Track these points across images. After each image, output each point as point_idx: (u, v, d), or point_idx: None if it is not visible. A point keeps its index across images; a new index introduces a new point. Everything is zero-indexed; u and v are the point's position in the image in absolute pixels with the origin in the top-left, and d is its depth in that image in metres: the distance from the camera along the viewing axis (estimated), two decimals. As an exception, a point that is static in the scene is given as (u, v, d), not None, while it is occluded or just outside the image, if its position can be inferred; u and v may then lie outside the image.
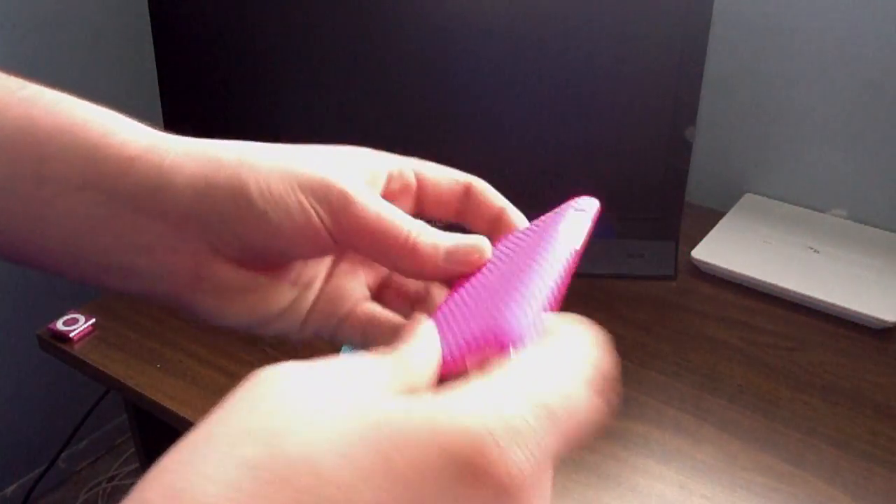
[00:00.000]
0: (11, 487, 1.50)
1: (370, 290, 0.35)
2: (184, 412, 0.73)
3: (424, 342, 0.25)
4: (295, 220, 0.30)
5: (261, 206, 0.29)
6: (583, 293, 0.88)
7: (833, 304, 0.83)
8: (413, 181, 0.34)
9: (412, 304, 0.35)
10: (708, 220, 0.97)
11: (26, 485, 1.47)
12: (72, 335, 0.81)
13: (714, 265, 0.89)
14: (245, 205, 0.29)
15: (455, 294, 0.30)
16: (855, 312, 0.82)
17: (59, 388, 1.43)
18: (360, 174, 0.32)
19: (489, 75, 0.80)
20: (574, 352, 0.22)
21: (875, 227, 0.97)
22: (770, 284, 0.87)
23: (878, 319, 0.81)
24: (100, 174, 0.29)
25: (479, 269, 0.31)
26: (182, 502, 0.18)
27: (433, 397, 0.20)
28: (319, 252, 0.32)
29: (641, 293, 0.88)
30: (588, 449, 0.68)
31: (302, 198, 0.30)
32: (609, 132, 0.80)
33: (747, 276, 0.88)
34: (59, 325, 0.81)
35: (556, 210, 0.33)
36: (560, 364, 0.21)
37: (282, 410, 0.20)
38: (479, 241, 0.31)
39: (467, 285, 0.30)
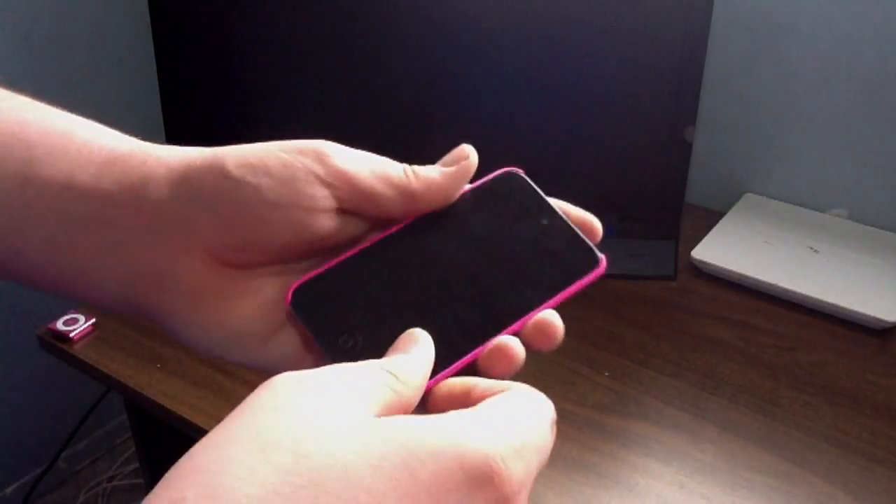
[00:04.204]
0: (11, 487, 1.50)
1: None
2: (184, 412, 0.73)
3: (420, 355, 0.27)
4: (278, 177, 0.29)
5: (237, 174, 0.29)
6: (583, 293, 0.88)
7: (833, 304, 0.83)
8: None
9: None
10: (708, 220, 0.97)
11: (26, 485, 1.47)
12: (72, 335, 0.81)
13: (714, 265, 0.89)
14: (221, 175, 0.29)
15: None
16: (855, 312, 0.82)
17: (59, 388, 1.43)
18: None
19: (488, 76, 0.80)
20: (538, 402, 0.27)
21: (875, 227, 0.97)
22: (770, 284, 0.86)
23: (878, 319, 0.81)
24: (85, 173, 0.30)
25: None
26: (219, 501, 0.19)
27: (444, 420, 0.24)
28: (311, 219, 0.29)
29: (641, 293, 0.88)
30: (588, 448, 0.69)
31: (285, 155, 0.29)
32: (609, 132, 0.80)
33: (747, 276, 0.88)
34: (59, 325, 0.81)
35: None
36: (531, 410, 0.26)
37: (301, 420, 0.22)
38: (463, 147, 0.32)
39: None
